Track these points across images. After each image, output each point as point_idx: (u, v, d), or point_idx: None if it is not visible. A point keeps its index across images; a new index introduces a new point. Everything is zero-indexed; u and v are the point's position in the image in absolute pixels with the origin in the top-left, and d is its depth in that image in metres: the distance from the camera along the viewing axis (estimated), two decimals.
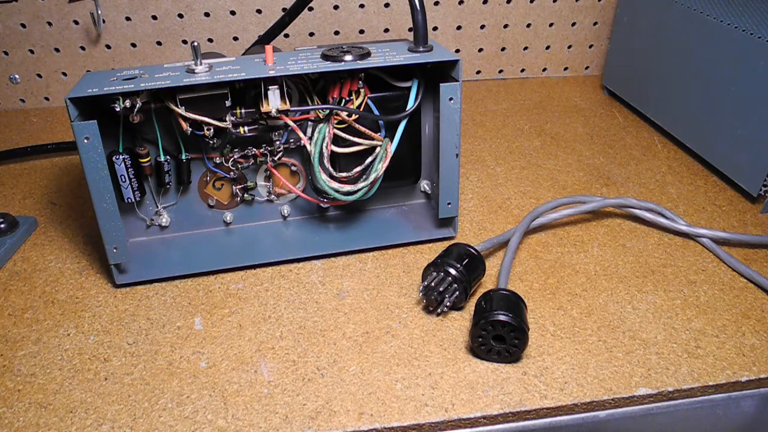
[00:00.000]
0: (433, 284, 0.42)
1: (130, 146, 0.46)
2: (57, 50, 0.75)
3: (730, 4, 0.61)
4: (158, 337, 0.42)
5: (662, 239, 0.52)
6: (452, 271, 0.42)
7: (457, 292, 0.43)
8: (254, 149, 0.47)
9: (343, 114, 0.45)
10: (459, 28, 0.81)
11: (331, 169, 0.46)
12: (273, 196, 0.50)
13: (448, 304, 0.42)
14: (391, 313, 0.44)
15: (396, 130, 0.48)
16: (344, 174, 0.47)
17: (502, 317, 0.38)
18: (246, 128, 0.45)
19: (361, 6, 0.78)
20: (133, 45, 0.76)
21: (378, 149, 0.47)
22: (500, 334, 0.39)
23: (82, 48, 0.76)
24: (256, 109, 0.45)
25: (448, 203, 0.50)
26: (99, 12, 0.72)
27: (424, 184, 0.54)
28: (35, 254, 0.51)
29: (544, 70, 0.86)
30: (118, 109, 0.42)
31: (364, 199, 0.49)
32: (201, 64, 0.44)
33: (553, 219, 0.52)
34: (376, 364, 0.40)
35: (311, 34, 0.79)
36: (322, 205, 0.52)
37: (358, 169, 0.47)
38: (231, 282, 0.47)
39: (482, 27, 0.82)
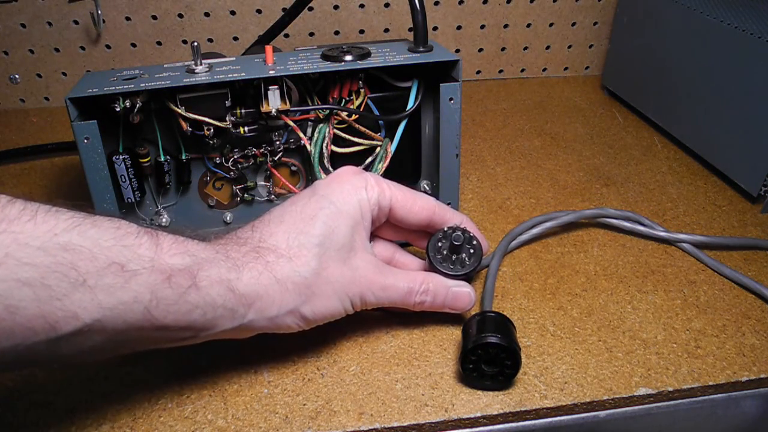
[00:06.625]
0: None
1: (130, 146, 0.46)
2: (57, 50, 0.75)
3: (730, 4, 0.61)
4: None
5: None
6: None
7: None
8: (254, 149, 0.47)
9: (343, 114, 0.45)
10: (459, 28, 0.81)
11: (331, 169, 0.46)
12: (273, 196, 0.50)
13: None
14: (392, 313, 0.44)
15: (396, 130, 0.48)
16: None
17: (492, 339, 0.36)
18: (246, 128, 0.45)
19: (361, 6, 0.78)
20: (133, 45, 0.76)
21: (378, 149, 0.47)
22: (491, 358, 0.37)
23: (82, 48, 0.76)
24: (256, 109, 0.45)
25: (448, 203, 0.50)
26: (99, 12, 0.72)
27: (424, 184, 0.54)
28: None
29: (544, 70, 0.86)
30: (118, 109, 0.42)
31: None
32: (201, 64, 0.44)
33: (532, 235, 0.51)
34: (376, 364, 0.40)
35: (311, 34, 0.79)
36: None
37: None
38: None
39: (482, 27, 0.82)
